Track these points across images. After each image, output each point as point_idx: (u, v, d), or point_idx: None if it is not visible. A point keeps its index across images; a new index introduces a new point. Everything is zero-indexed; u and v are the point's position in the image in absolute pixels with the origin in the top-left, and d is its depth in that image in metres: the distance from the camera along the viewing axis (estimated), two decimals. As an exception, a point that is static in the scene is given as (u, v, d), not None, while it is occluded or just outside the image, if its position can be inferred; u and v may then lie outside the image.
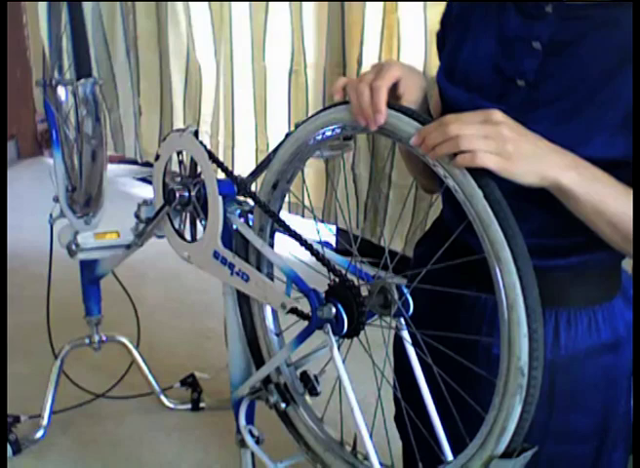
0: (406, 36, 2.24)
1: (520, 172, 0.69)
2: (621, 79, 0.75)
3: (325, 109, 0.84)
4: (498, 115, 0.70)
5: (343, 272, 0.83)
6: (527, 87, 0.81)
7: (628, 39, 0.75)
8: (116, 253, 1.12)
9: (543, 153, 0.71)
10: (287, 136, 0.89)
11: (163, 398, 1.97)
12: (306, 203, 2.42)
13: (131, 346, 1.93)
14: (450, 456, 0.79)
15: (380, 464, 0.80)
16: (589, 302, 0.88)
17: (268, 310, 1.01)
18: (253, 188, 0.95)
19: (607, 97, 0.76)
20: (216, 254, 0.95)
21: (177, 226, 1.04)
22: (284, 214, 0.94)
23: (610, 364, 0.89)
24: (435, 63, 0.96)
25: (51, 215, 1.70)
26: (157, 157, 1.03)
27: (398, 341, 0.97)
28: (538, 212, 0.76)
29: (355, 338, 0.83)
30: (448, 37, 0.93)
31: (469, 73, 0.87)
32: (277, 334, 1.01)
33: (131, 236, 1.12)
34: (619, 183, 0.74)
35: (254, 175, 0.97)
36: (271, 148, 0.95)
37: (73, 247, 1.08)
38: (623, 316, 0.89)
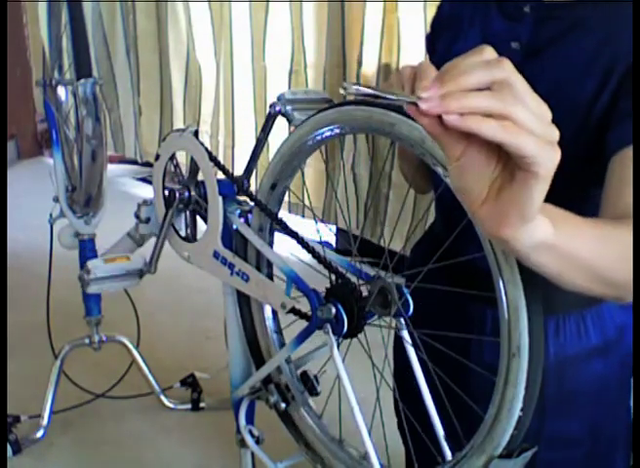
0: (406, 36, 2.24)
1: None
2: (588, 81, 0.75)
3: (322, 110, 0.84)
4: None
5: (343, 272, 0.83)
6: None
7: (596, 40, 0.75)
8: (130, 283, 1.11)
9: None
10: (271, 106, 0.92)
11: (163, 398, 1.97)
12: (305, 202, 2.42)
13: (131, 346, 1.93)
14: (449, 456, 0.79)
15: (381, 465, 0.80)
16: (578, 307, 0.87)
17: (268, 310, 1.01)
18: (253, 187, 0.95)
19: (573, 100, 0.76)
20: (216, 254, 0.95)
21: (177, 227, 1.04)
22: (283, 215, 0.94)
23: (600, 368, 0.88)
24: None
25: (51, 215, 1.70)
26: (157, 157, 1.03)
27: (397, 342, 0.96)
28: None
29: (355, 339, 0.83)
30: (438, 40, 0.93)
31: None
32: (277, 333, 1.01)
33: (140, 259, 1.11)
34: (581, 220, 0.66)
35: (247, 170, 0.97)
36: (271, 148, 0.95)
37: (85, 276, 1.07)
38: (614, 319, 0.88)
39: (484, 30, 0.85)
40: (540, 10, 0.80)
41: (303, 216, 2.75)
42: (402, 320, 0.82)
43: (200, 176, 1.00)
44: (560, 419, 0.89)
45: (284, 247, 1.02)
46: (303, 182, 2.05)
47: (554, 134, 0.47)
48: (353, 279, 0.83)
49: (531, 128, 0.45)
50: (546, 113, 0.46)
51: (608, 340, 0.88)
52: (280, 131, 0.99)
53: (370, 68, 2.39)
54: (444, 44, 0.91)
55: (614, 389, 0.92)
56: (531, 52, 0.80)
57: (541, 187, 0.47)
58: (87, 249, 1.71)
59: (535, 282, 0.67)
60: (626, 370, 0.91)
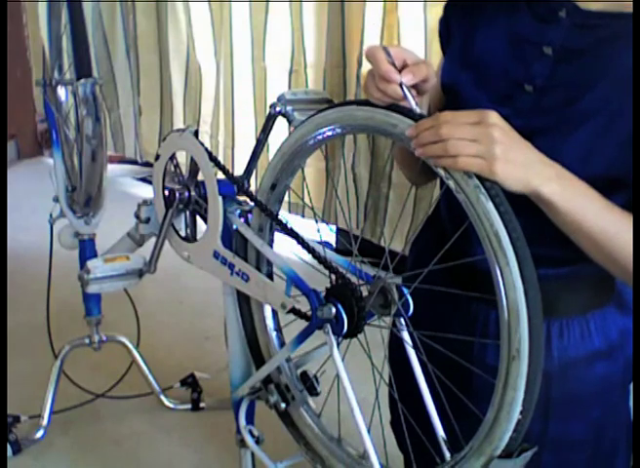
0: (406, 36, 2.24)
1: (504, 176, 0.68)
2: (628, 96, 0.73)
3: (324, 110, 0.84)
4: (493, 117, 0.68)
5: (343, 272, 0.83)
6: (535, 92, 0.80)
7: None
8: (130, 283, 1.11)
9: (530, 161, 0.70)
10: (272, 106, 0.92)
11: (163, 398, 1.97)
12: (306, 202, 2.42)
13: (131, 346, 1.93)
14: (448, 457, 0.79)
15: (380, 465, 0.80)
16: (581, 311, 0.86)
17: (268, 309, 1.01)
18: (253, 187, 0.95)
19: (612, 113, 0.75)
20: (216, 254, 0.95)
21: (177, 227, 1.04)
22: (283, 215, 0.94)
23: (603, 371, 0.88)
24: (435, 63, 0.95)
25: (51, 215, 1.70)
26: (157, 157, 1.03)
27: (395, 342, 0.96)
28: (526, 220, 0.75)
29: (355, 339, 0.83)
30: (455, 25, 0.89)
31: (480, 69, 0.84)
32: (277, 331, 1.01)
33: (140, 259, 1.11)
34: (604, 200, 0.72)
35: (247, 170, 0.98)
36: (271, 148, 0.95)
37: (85, 275, 1.07)
38: (616, 322, 0.88)
39: (510, 29, 0.82)
40: (576, 16, 0.77)
41: (303, 216, 2.75)
42: (402, 320, 0.82)
43: (200, 176, 1.00)
44: (564, 421, 0.89)
45: (285, 247, 1.02)
46: (304, 180, 2.04)
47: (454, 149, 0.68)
48: (353, 279, 0.83)
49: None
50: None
51: (611, 344, 0.88)
52: (280, 131, 0.99)
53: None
54: (462, 31, 0.88)
55: (617, 392, 0.91)
56: (564, 57, 0.78)
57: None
58: (87, 249, 1.71)
59: (535, 284, 0.67)
60: (629, 373, 0.91)
